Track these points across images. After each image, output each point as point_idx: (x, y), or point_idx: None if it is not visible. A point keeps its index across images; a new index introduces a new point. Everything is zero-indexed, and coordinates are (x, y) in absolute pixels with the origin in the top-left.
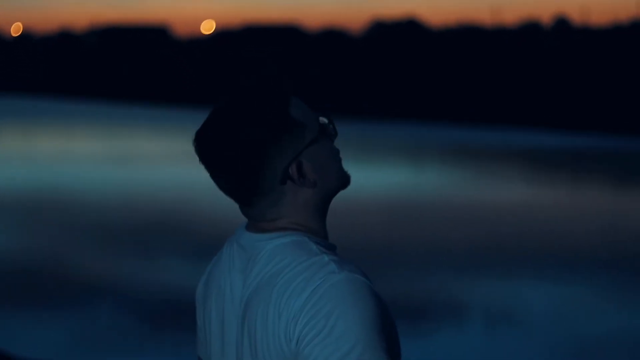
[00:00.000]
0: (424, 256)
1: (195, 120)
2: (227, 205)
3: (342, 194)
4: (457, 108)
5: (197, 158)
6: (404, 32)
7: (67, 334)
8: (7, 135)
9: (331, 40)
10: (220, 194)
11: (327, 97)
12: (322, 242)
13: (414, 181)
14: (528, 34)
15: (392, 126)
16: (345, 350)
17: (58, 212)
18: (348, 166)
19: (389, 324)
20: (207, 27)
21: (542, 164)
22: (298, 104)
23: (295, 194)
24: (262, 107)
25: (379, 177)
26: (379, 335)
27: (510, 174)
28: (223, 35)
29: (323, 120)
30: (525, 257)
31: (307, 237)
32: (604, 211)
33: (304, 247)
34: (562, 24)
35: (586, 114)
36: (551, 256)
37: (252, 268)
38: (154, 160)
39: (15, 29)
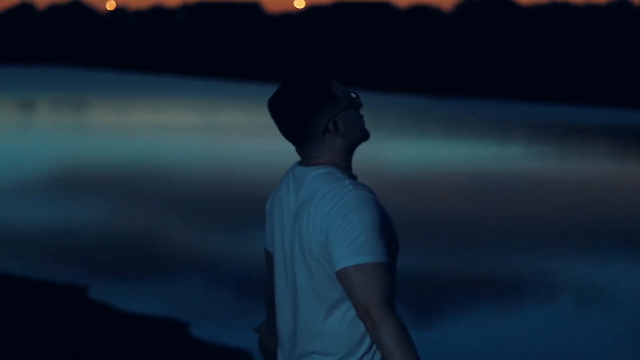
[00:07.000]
0: (509, 231)
1: None
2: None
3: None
4: (544, 85)
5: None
6: (494, 8)
7: (161, 301)
8: (99, 109)
9: (421, 16)
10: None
11: (417, 72)
12: (346, 173)
13: (500, 156)
14: (618, 11)
15: (480, 103)
16: (354, 237)
17: (150, 185)
18: (435, 139)
19: (387, 226)
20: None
21: (630, 141)
22: (337, 84)
23: (331, 141)
24: (312, 85)
25: (465, 152)
26: (379, 231)
27: (598, 150)
28: (314, 11)
29: (353, 95)
30: (611, 233)
31: (336, 169)
32: None
33: (334, 175)
34: None
35: None
36: (637, 233)
37: (300, 189)
38: (245, 134)
39: (110, 5)
